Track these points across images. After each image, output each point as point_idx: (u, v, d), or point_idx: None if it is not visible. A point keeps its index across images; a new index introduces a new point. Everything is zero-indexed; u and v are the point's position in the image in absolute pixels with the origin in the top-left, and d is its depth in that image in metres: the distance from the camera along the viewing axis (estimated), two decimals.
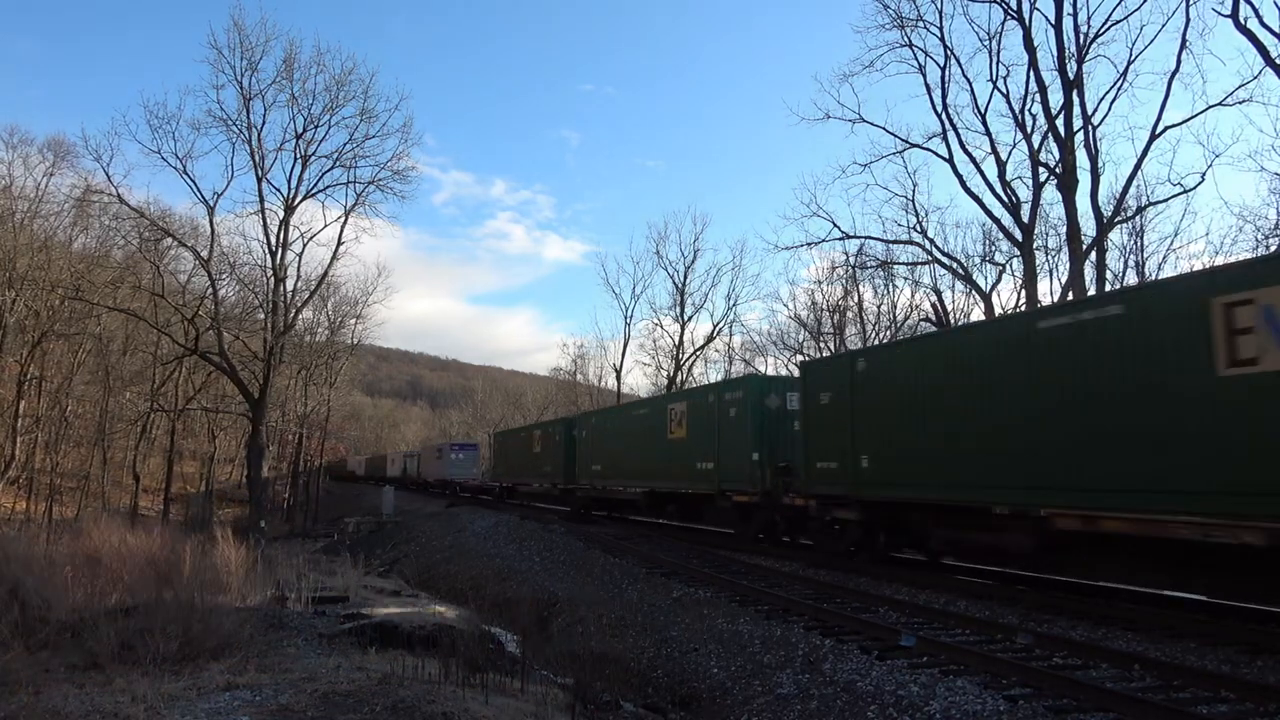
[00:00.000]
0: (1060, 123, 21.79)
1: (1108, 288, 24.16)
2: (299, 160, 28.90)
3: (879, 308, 36.32)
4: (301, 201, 29.02)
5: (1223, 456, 7.70)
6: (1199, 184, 21.69)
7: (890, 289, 35.85)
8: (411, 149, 33.69)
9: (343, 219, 29.56)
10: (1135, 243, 28.78)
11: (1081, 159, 21.56)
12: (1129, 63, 21.52)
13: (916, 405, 11.92)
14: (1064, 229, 23.26)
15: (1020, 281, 26.71)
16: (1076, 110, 21.57)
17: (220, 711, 6.26)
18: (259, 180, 28.23)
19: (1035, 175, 23.20)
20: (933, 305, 30.54)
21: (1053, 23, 21.82)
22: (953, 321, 30.74)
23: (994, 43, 23.48)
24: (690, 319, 45.13)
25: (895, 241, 28.48)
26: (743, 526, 17.13)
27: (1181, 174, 33.19)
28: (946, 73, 24.40)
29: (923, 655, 8.09)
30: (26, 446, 40.18)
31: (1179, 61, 20.22)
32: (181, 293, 35.58)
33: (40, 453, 41.79)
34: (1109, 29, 21.70)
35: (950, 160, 24.78)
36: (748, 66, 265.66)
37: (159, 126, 28.63)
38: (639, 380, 58.50)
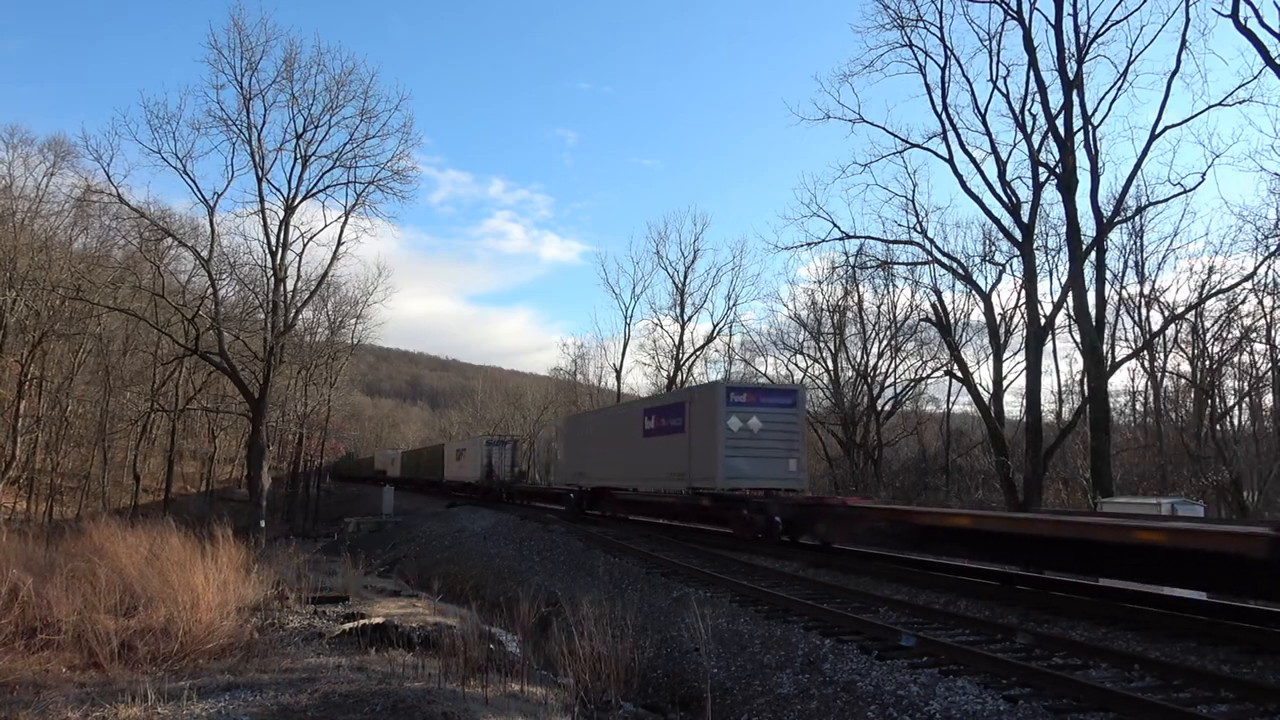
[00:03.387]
0: (1060, 123, 21.80)
1: (1107, 288, 24.25)
2: (299, 160, 28.90)
3: (879, 308, 36.33)
4: (301, 201, 29.01)
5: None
6: (1199, 184, 21.70)
7: (890, 289, 35.86)
8: (412, 149, 33.66)
9: (343, 219, 29.56)
10: (1135, 243, 28.88)
11: (1081, 159, 21.57)
12: (1129, 63, 21.53)
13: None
14: (1064, 229, 23.28)
15: (1020, 281, 26.74)
16: (1076, 110, 21.58)
17: (220, 711, 6.26)
18: (259, 180, 28.22)
19: (1035, 175, 23.23)
20: (933, 305, 30.58)
21: (1053, 23, 21.84)
22: (953, 322, 30.85)
23: (994, 43, 23.50)
24: (690, 319, 45.16)
25: (895, 241, 28.50)
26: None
27: (1181, 174, 33.34)
28: (946, 73, 24.43)
29: (923, 655, 8.08)
30: (26, 446, 40.17)
31: (1179, 61, 20.24)
32: (181, 293, 35.58)
33: (40, 453, 41.79)
34: (1109, 29, 21.72)
35: (950, 160, 24.81)
36: (747, 66, 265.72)
37: (159, 126, 28.51)
38: (639, 380, 58.41)
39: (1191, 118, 22.49)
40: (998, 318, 28.96)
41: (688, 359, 44.73)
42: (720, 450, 16.17)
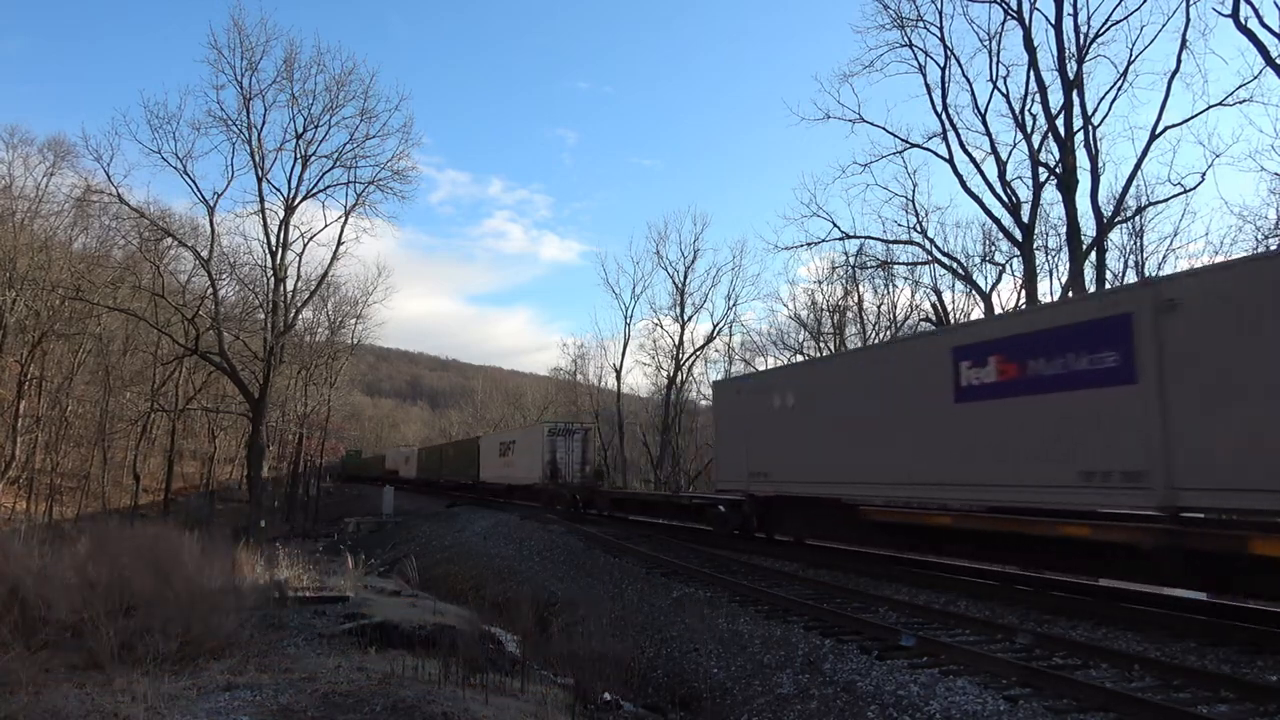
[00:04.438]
0: (1060, 123, 21.79)
1: (1108, 288, 24.19)
2: (299, 160, 28.97)
3: (879, 308, 36.29)
4: (301, 201, 29.10)
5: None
6: (1199, 184, 21.70)
7: (890, 289, 35.82)
8: (411, 149, 33.71)
9: (343, 219, 29.64)
10: (1135, 243, 28.76)
11: (1081, 159, 21.56)
12: (1129, 63, 21.52)
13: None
14: (1064, 229, 23.26)
15: (1020, 281, 26.72)
16: (1076, 110, 21.56)
17: (220, 711, 6.26)
18: (259, 180, 28.29)
19: (1035, 175, 23.21)
20: (933, 305, 30.57)
21: (1053, 23, 21.82)
22: (953, 322, 30.81)
23: (994, 43, 23.49)
24: (690, 319, 45.12)
25: (895, 241, 28.49)
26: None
27: (1181, 174, 33.22)
28: (946, 73, 24.42)
29: (923, 655, 8.08)
30: (26, 446, 40.16)
31: (1179, 61, 20.22)
32: (181, 293, 35.62)
33: (40, 453, 41.77)
34: (1109, 29, 21.71)
35: (950, 160, 24.80)
36: (747, 66, 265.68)
37: (159, 126, 28.79)
38: (639, 380, 58.52)
39: (1192, 118, 22.52)
40: None
41: (688, 359, 44.80)
42: None
